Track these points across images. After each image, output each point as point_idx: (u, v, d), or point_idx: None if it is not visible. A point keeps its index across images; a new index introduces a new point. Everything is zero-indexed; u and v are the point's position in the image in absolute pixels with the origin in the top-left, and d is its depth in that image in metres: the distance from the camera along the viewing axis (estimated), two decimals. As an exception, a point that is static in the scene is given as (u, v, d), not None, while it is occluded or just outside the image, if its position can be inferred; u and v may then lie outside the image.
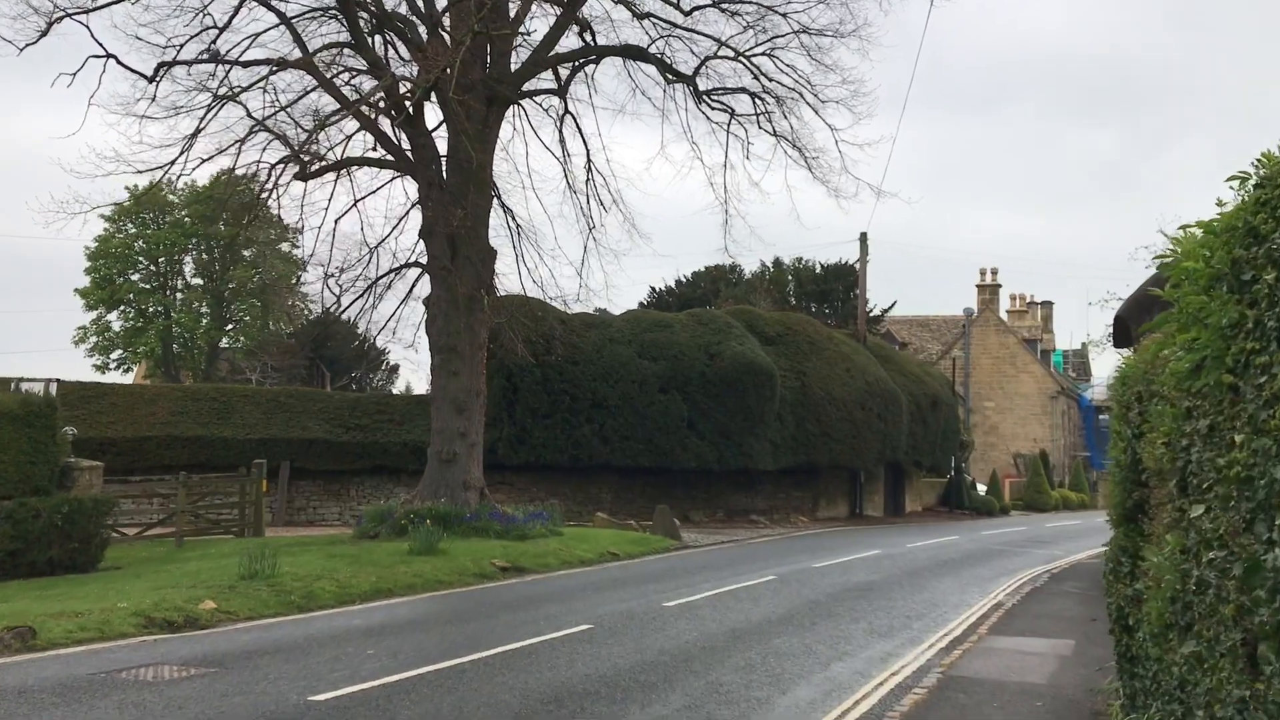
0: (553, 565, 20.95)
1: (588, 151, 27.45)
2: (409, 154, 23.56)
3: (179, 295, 59.99)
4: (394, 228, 24.32)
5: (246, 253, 56.66)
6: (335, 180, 24.16)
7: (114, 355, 58.84)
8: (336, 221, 24.21)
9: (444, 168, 24.20)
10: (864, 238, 44.75)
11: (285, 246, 50.58)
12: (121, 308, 58.26)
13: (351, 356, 57.59)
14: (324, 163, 24.50)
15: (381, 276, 23.86)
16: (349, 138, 24.27)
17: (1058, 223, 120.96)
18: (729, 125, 27.43)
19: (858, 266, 46.46)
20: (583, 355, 32.73)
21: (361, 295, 23.93)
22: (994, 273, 71.31)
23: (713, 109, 26.84)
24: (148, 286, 58.57)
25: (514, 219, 24.43)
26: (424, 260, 24.16)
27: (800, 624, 14.56)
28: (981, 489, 55.25)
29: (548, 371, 32.00)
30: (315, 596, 15.61)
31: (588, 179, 27.65)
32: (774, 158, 28.61)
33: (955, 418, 50.67)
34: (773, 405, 35.59)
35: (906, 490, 47.81)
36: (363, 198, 24.52)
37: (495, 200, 24.87)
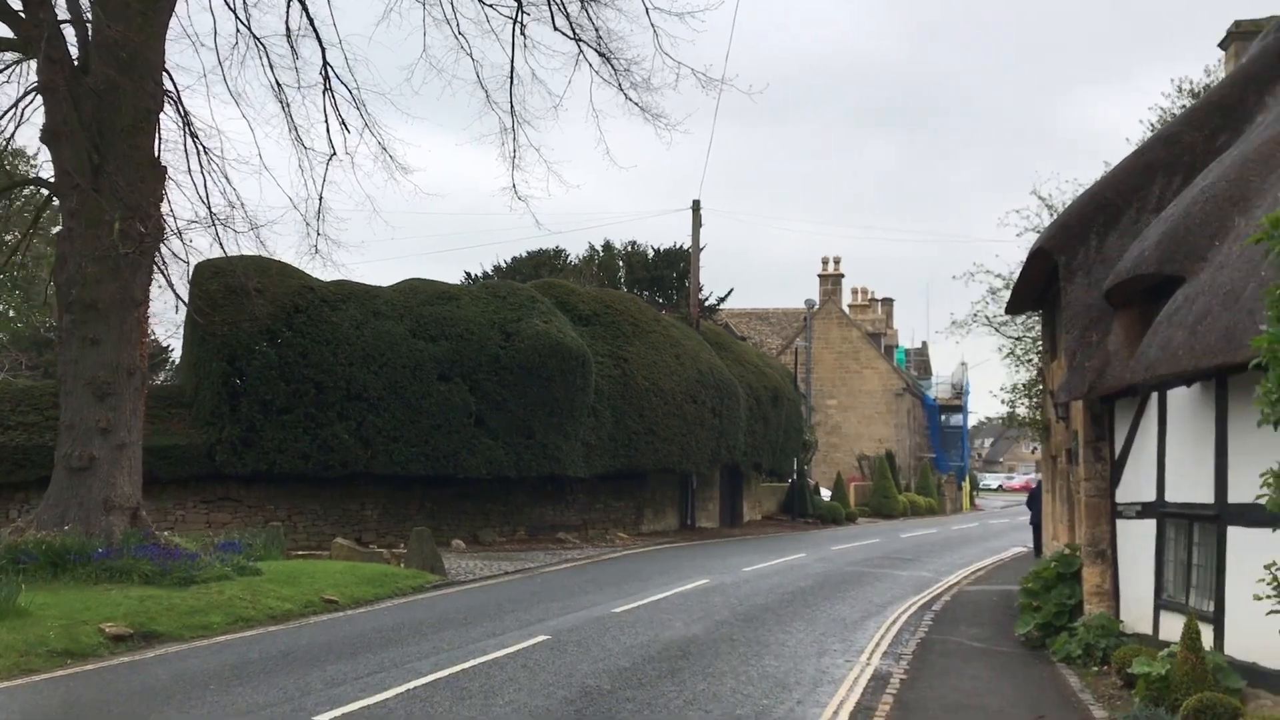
0: (214, 626, 13.79)
1: (323, 50, 20.40)
2: (22, 14, 16.05)
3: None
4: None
5: (8, 236, 47.55)
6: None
7: None
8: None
9: (90, 47, 16.76)
10: (696, 205, 38.72)
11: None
12: None
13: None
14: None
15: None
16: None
17: (855, 230, 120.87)
18: (518, 16, 20.77)
19: (690, 250, 40.35)
20: (337, 333, 25.43)
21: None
22: (837, 262, 66.56)
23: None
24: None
25: (190, 126, 17.07)
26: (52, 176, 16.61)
27: (545, 761, 7.94)
28: (825, 494, 50.16)
29: (286, 353, 24.59)
30: None
31: (326, 88, 20.58)
32: (575, 75, 22.02)
33: (798, 414, 45.20)
34: (586, 397, 29.03)
35: (745, 497, 42.01)
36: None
37: (170, 103, 17.51)
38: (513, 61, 21.54)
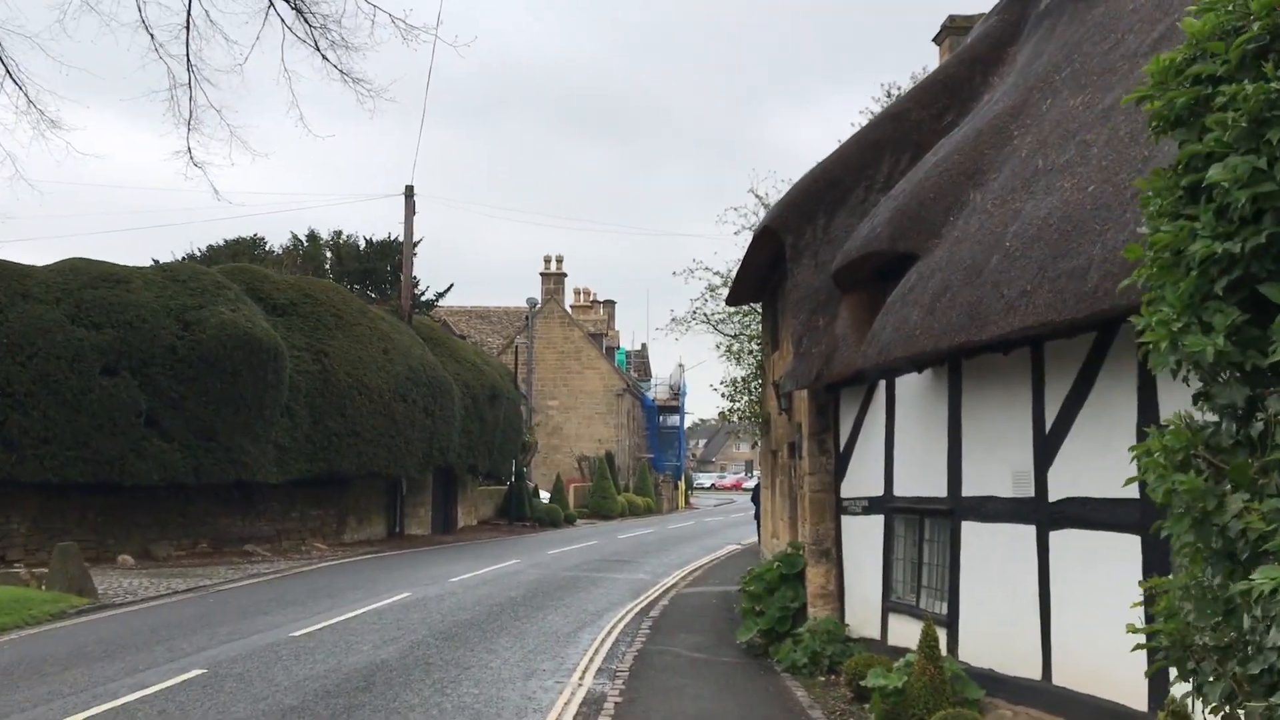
0: None
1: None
2: None
3: None
4: None
5: None
6: None
7: None
8: None
9: None
10: (410, 191, 36.43)
11: None
12: None
13: None
14: None
15: None
16: None
17: (575, 230, 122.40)
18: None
19: (403, 239, 37.91)
20: (-26, 316, 21.68)
21: None
22: (559, 261, 65.69)
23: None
24: None
25: None
26: None
27: None
28: (545, 496, 48.95)
29: (-95, 338, 20.68)
30: None
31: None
32: (264, 31, 19.56)
33: (517, 414, 43.71)
34: (279, 395, 26.31)
35: (460, 501, 40.06)
36: None
37: None
38: (189, 7, 18.85)
